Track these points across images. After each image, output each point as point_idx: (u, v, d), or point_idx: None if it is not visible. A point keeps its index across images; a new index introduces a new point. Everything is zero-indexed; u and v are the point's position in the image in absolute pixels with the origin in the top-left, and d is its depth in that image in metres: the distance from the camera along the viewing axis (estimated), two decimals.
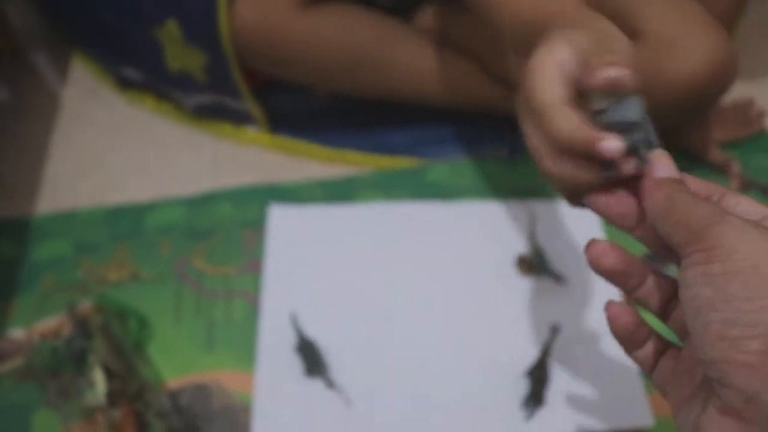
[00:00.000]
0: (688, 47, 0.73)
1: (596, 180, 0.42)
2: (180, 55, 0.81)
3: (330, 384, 0.68)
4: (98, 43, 0.90)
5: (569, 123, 0.42)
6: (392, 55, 0.81)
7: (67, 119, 0.91)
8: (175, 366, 0.70)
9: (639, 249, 0.70)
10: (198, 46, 0.79)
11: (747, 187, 0.86)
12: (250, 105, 0.85)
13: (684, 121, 0.84)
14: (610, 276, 0.43)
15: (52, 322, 0.70)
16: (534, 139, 0.47)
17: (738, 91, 0.86)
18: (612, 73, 0.41)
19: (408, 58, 0.82)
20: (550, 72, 0.43)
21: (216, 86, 0.83)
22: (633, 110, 0.41)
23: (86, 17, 0.86)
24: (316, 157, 0.87)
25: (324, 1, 0.80)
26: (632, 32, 0.75)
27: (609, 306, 0.44)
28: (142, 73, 0.88)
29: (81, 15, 0.86)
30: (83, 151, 0.88)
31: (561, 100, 0.43)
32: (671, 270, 0.42)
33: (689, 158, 0.87)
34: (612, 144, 0.40)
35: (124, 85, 0.92)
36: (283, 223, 0.80)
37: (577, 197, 0.45)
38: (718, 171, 0.87)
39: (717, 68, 0.72)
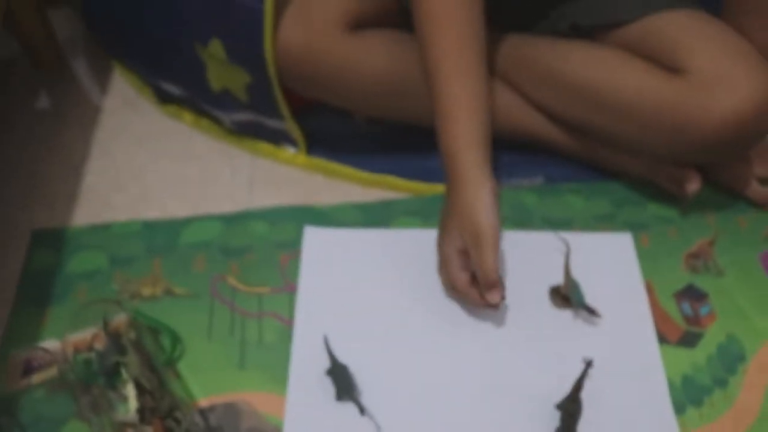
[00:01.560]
0: (733, 84, 0.72)
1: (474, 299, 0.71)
2: (222, 74, 0.81)
3: (361, 409, 0.67)
4: (140, 57, 0.91)
5: (492, 261, 0.68)
6: None
7: (106, 130, 0.92)
8: (206, 384, 0.70)
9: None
10: (241, 66, 0.79)
11: None
12: (289, 126, 0.85)
13: (726, 158, 0.83)
14: None
15: (86, 334, 0.70)
16: (448, 248, 0.71)
17: None
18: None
19: None
20: (492, 207, 0.69)
21: (256, 106, 0.84)
22: None
23: (131, 32, 0.87)
24: (354, 180, 0.87)
25: (370, 26, 0.80)
26: (676, 67, 0.74)
27: None
28: (183, 90, 0.89)
29: (126, 29, 0.87)
30: (121, 163, 0.89)
31: (495, 234, 0.68)
32: None
33: (729, 194, 0.87)
34: (493, 299, 0.69)
35: (164, 99, 0.93)
36: (319, 245, 0.79)
37: (453, 293, 0.74)
38: (758, 207, 0.86)
39: (762, 105, 0.72)
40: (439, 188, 0.86)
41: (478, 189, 0.69)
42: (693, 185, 0.80)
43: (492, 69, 0.83)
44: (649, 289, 0.78)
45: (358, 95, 0.82)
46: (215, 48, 0.79)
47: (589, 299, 0.75)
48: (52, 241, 0.80)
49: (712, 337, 0.75)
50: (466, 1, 0.71)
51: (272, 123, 0.85)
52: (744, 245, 0.83)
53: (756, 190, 0.86)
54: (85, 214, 0.83)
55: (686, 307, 0.77)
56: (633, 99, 0.75)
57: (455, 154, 0.71)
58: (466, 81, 0.71)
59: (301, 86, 0.82)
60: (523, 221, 0.83)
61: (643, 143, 0.79)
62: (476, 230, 0.68)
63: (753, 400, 0.70)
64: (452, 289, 0.73)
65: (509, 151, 0.87)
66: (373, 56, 0.79)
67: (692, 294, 0.78)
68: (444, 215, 0.73)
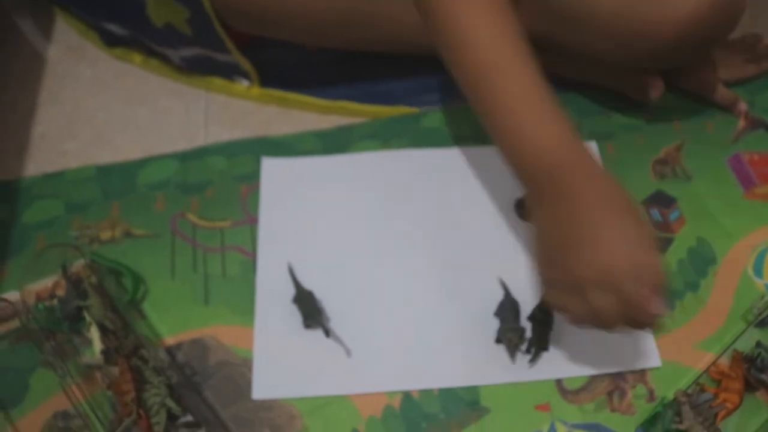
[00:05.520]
0: None
1: None
2: (161, 9, 0.78)
3: (326, 332, 0.66)
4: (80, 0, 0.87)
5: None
6: (382, 10, 0.78)
7: (53, 79, 0.89)
8: (172, 322, 0.68)
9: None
10: (176, 1, 0.76)
11: (754, 126, 0.84)
12: (238, 58, 0.82)
13: (690, 60, 0.81)
14: None
15: (47, 282, 0.69)
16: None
17: (745, 29, 0.84)
18: None
19: (401, 10, 0.79)
20: None
21: (202, 40, 0.81)
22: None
23: None
24: (310, 108, 0.85)
25: None
26: None
27: None
28: (127, 29, 0.85)
29: None
30: (71, 110, 0.86)
31: None
32: None
33: (696, 98, 0.85)
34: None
35: (110, 42, 0.90)
36: (277, 175, 0.78)
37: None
38: (725, 110, 0.85)
39: (722, 4, 0.70)
40: (395, 110, 0.84)
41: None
42: (656, 91, 0.79)
43: None
44: None
45: (302, 28, 0.78)
46: None
47: None
48: (6, 194, 0.78)
49: (683, 241, 0.74)
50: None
51: (222, 57, 0.82)
52: (712, 149, 0.81)
53: (722, 93, 0.84)
54: (38, 163, 0.81)
55: (655, 213, 0.76)
56: (589, 6, 0.73)
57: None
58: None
59: (241, 22, 0.78)
60: (486, 137, 0.81)
61: (603, 50, 0.77)
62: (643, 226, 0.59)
63: (723, 301, 0.70)
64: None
65: None
66: None
67: (661, 200, 0.77)
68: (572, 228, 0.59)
